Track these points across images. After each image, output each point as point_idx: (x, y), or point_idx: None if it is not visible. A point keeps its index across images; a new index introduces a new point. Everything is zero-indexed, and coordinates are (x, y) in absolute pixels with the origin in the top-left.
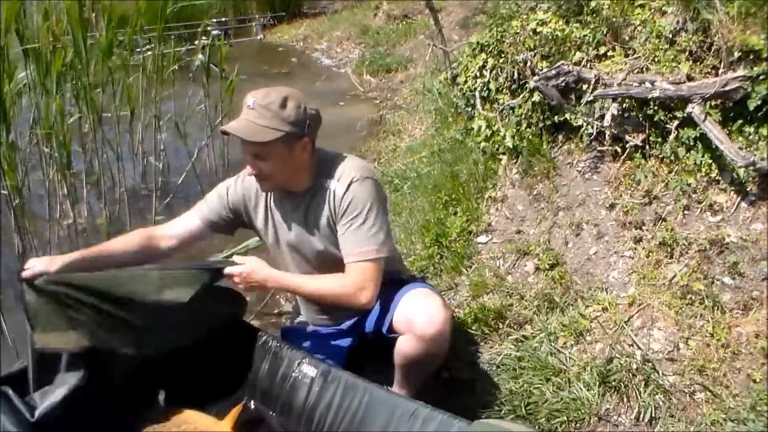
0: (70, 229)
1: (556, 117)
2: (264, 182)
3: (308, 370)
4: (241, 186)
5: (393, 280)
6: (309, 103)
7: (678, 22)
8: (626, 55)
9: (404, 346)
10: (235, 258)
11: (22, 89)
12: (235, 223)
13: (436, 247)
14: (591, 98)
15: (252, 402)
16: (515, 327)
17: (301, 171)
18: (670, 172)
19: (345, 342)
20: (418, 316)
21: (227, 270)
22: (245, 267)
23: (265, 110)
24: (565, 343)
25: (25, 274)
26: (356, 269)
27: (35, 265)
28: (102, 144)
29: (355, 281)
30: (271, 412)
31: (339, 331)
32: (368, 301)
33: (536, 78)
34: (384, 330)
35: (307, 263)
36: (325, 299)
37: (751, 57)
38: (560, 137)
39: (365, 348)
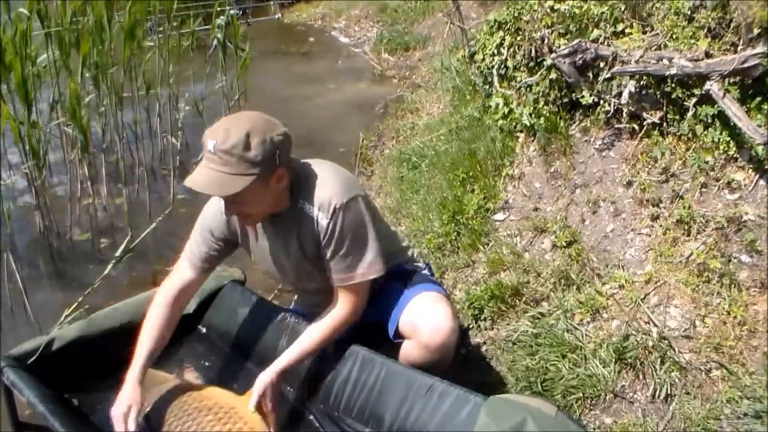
0: (89, 208)
1: (573, 94)
2: (247, 220)
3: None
4: (221, 218)
5: (394, 272)
6: (273, 127)
7: None
8: (644, 32)
9: (408, 352)
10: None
11: (42, 70)
12: (228, 250)
13: (453, 224)
14: (608, 75)
15: None
16: (532, 304)
17: (282, 196)
18: (687, 149)
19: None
20: (423, 324)
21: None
22: (255, 397)
23: (229, 156)
24: (581, 320)
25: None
26: (345, 293)
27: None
28: (121, 123)
29: (347, 308)
30: (288, 387)
31: None
32: (359, 315)
33: (554, 55)
34: (390, 334)
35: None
36: (332, 338)
37: None
38: (577, 115)
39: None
